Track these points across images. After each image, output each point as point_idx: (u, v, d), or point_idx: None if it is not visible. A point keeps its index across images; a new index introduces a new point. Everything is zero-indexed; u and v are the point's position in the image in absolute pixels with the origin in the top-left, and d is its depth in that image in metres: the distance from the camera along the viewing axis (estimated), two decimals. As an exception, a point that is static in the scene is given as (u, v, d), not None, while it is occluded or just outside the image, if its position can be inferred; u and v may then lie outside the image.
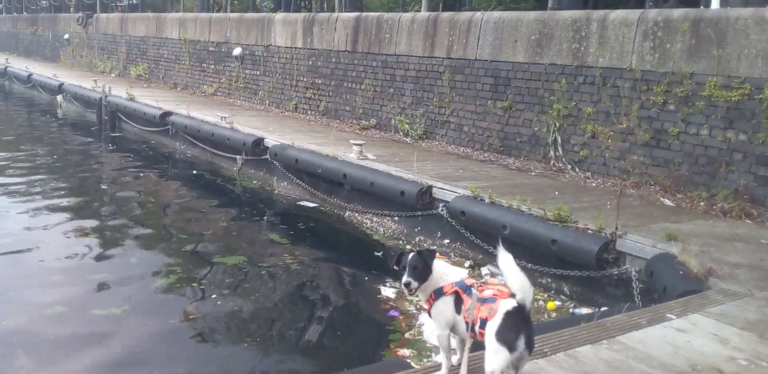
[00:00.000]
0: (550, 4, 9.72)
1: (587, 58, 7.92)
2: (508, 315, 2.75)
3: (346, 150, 8.61)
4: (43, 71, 20.10)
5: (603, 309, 5.41)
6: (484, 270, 6.43)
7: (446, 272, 3.08)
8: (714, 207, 6.63)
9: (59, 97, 17.20)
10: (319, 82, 11.92)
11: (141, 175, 10.69)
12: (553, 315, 5.51)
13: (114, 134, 13.83)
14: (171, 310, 5.41)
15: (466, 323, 2.95)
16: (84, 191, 9.51)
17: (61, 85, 17.29)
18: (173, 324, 5.17)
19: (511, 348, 2.70)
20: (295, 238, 7.55)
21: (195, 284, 5.98)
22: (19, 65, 22.17)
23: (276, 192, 9.54)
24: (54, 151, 12.32)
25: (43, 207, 8.32)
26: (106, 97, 14.34)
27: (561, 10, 8.69)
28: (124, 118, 13.86)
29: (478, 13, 9.45)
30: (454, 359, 3.13)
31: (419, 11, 11.36)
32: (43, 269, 6.20)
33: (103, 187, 9.91)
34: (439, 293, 3.05)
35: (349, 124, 11.29)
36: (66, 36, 23.94)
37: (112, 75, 19.81)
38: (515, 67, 8.75)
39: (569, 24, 8.11)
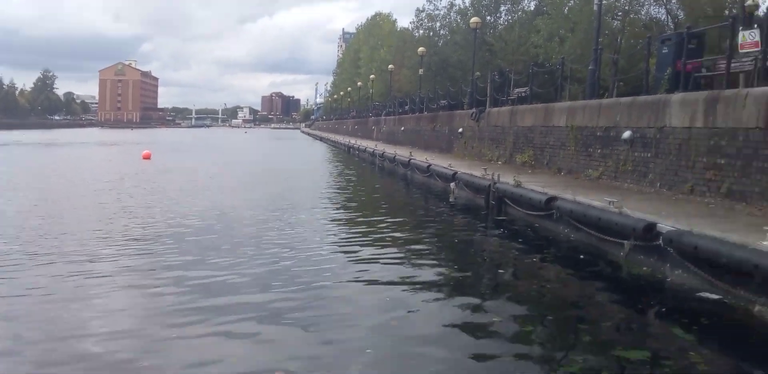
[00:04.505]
0: None
1: None
2: None
3: (758, 237, 7.45)
4: (438, 161, 22.22)
5: None
6: None
7: None
8: None
9: (452, 185, 18.62)
10: (722, 162, 10.78)
11: (523, 257, 10.77)
12: None
13: (500, 218, 14.30)
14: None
15: None
16: (466, 271, 9.75)
17: (455, 173, 18.78)
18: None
19: None
20: (699, 334, 6.62)
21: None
22: (420, 157, 24.87)
23: (669, 280, 8.63)
24: (442, 231, 13.18)
25: (420, 281, 8.71)
26: (494, 183, 15.04)
27: None
28: (510, 203, 14.29)
29: None
30: None
31: None
32: (422, 348, 6.27)
33: (484, 268, 10.13)
34: None
35: (759, 208, 9.87)
36: (460, 130, 26.29)
37: (499, 163, 20.90)
38: None
39: None
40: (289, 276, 8.70)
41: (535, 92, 22.14)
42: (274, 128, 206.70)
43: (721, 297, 7.62)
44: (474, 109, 25.21)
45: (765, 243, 7.24)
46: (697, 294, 7.89)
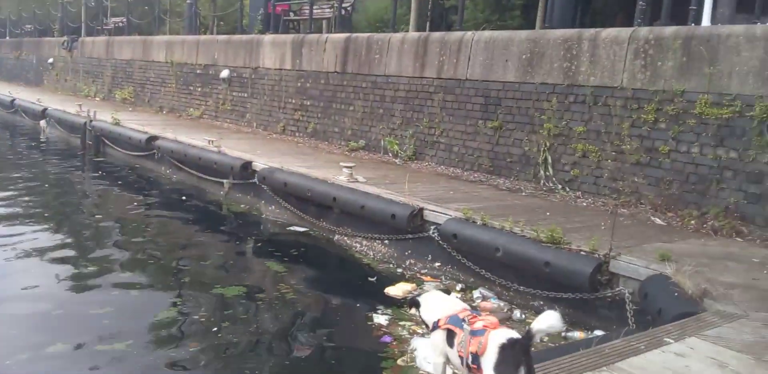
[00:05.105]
0: (538, 22, 9.75)
1: (578, 76, 7.91)
2: (503, 348, 2.85)
3: (336, 172, 8.51)
4: (26, 96, 19.93)
5: (596, 332, 5.34)
6: (476, 294, 6.30)
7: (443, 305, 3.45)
8: (705, 225, 6.61)
9: (42, 122, 17.01)
10: (308, 103, 11.86)
11: (125, 201, 10.50)
12: (545, 338, 5.41)
13: (98, 159, 13.65)
14: (173, 343, 5.28)
15: (460, 357, 3.05)
16: (64, 219, 9.24)
17: (45, 109, 17.09)
18: (176, 356, 5.03)
19: None
20: (289, 265, 7.35)
21: (196, 316, 5.80)
22: (2, 90, 21.96)
23: (264, 216, 9.38)
24: (34, 176, 12.00)
25: (21, 235, 8.03)
26: (90, 121, 14.20)
27: (552, 29, 8.70)
28: (108, 142, 13.70)
29: (469, 33, 9.44)
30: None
31: (407, 32, 11.34)
32: (30, 305, 5.95)
33: (84, 214, 9.66)
34: (435, 326, 3.35)
35: (338, 146, 11.21)
36: (50, 60, 23.86)
37: (97, 99, 19.70)
38: (506, 87, 8.73)
39: (560, 43, 8.11)
40: None
41: (134, 23, 21.11)
42: None
43: (308, 229, 8.59)
44: (66, 38, 23.05)
45: (341, 177, 8.31)
46: (288, 228, 8.76)
